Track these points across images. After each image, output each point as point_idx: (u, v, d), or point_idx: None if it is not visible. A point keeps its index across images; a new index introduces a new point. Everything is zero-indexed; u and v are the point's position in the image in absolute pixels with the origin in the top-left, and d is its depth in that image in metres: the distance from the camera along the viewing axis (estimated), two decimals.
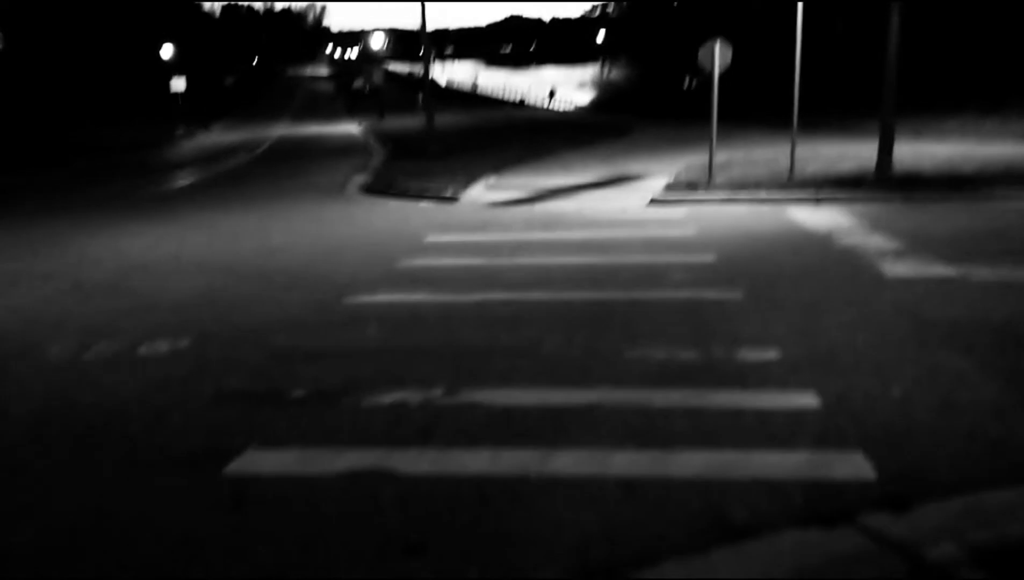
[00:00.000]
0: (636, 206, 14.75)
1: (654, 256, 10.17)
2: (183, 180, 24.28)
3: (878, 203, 13.70)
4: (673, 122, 37.48)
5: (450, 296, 8.53)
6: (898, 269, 9.01)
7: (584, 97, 73.18)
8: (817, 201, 14.02)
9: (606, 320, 7.41)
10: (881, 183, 14.50)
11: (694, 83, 61.29)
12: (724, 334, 6.83)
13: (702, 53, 15.36)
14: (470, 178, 18.64)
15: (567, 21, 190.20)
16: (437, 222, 13.84)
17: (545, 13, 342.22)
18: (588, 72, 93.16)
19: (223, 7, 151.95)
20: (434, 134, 26.38)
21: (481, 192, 17.42)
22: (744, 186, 15.05)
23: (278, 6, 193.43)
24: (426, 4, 25.59)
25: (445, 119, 46.35)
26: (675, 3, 65.87)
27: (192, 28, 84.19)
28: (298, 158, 31.05)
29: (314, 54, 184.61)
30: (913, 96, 35.69)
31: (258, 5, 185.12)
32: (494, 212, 14.91)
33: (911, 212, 12.86)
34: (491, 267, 9.92)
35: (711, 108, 15.64)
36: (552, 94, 71.66)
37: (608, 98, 65.73)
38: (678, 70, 62.58)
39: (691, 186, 15.44)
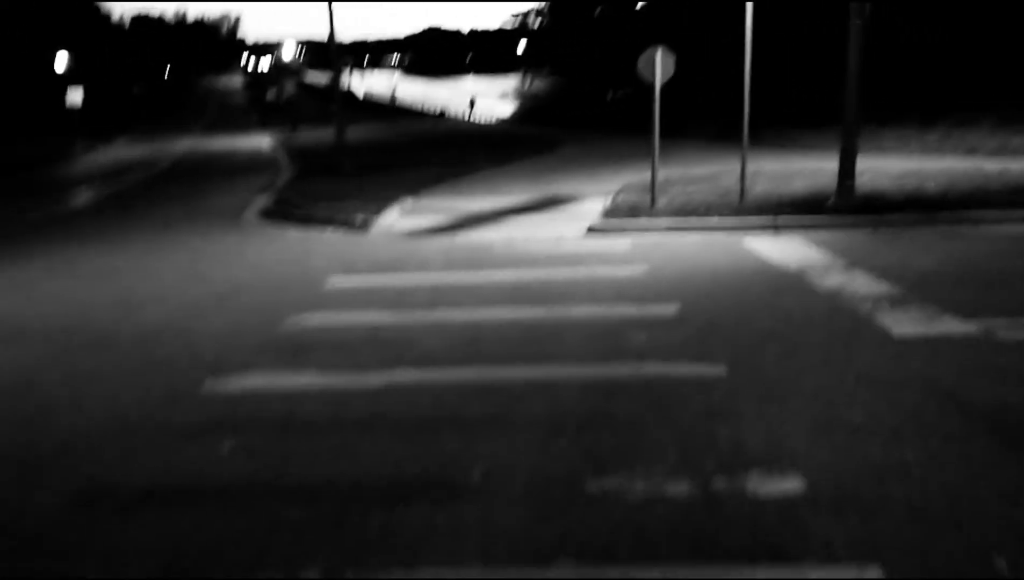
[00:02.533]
0: (573, 235, 12.94)
1: (604, 307, 8.32)
2: (64, 204, 21.62)
3: (844, 230, 12.15)
4: (599, 135, 36.00)
5: (345, 378, 6.50)
6: (905, 326, 7.32)
7: (506, 108, 71.72)
8: (776, 229, 12.41)
9: (557, 420, 5.49)
10: (843, 207, 12.96)
11: (619, 94, 60.32)
12: (721, 445, 4.98)
13: (642, 62, 13.64)
14: (384, 201, 16.61)
15: (486, 32, 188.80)
16: (343, 258, 11.79)
17: (464, 24, 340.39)
18: (509, 83, 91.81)
19: (132, 17, 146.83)
20: (347, 150, 24.26)
21: (396, 218, 15.42)
22: (691, 211, 13.36)
23: (191, 16, 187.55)
24: (338, 12, 23.48)
25: (361, 132, 44.15)
26: (596, 13, 64.88)
27: (95, 37, 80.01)
28: (200, 176, 28.53)
29: (228, 65, 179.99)
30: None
31: (170, 15, 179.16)
32: (410, 244, 12.93)
33: (886, 242, 11.32)
34: (402, 327, 7.93)
35: (652, 123, 13.94)
36: (472, 105, 70.00)
37: (531, 109, 64.36)
38: (601, 81, 61.60)
39: (632, 212, 13.69)
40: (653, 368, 6.40)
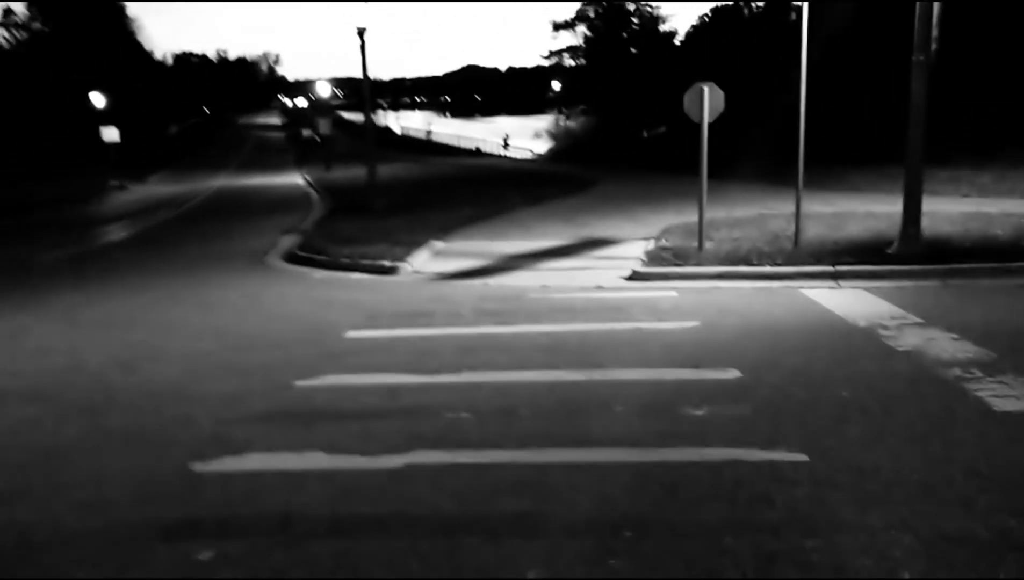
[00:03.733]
0: (613, 281, 12.01)
1: (654, 371, 7.35)
2: (84, 244, 21.07)
3: (911, 281, 11.10)
4: (635, 174, 35.13)
5: (355, 461, 5.57)
6: (1007, 400, 6.27)
7: (541, 146, 71.24)
8: (835, 278, 11.39)
9: (608, 524, 4.53)
10: (908, 255, 11.91)
11: (654, 132, 59.54)
12: (817, 565, 3.97)
13: (688, 98, 12.77)
14: (414, 242, 15.79)
15: (523, 70, 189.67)
16: (366, 306, 10.94)
17: (502, 63, 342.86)
18: (544, 121, 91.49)
19: (175, 55, 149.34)
20: (378, 188, 23.58)
21: (425, 260, 14.59)
22: (742, 258, 12.37)
23: (232, 55, 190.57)
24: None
25: (395, 170, 43.68)
26: (632, 51, 64.35)
27: (135, 74, 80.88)
28: (228, 215, 28.03)
29: (267, 103, 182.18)
30: (894, 146, 33.85)
31: (212, 54, 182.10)
32: (439, 289, 12.06)
33: (960, 295, 10.25)
34: (425, 393, 7.01)
35: (700, 162, 13.02)
36: (507, 142, 69.64)
37: (565, 147, 63.72)
38: (636, 119, 60.87)
39: (677, 257, 12.72)
40: (719, 453, 5.41)
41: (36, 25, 79.42)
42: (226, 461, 5.63)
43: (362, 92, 23.71)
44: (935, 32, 11.89)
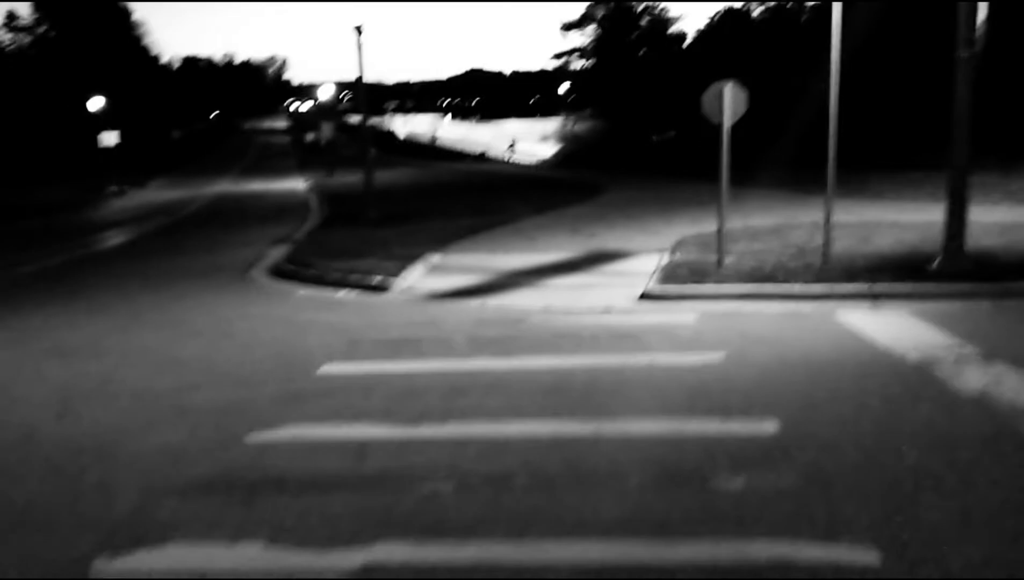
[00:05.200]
0: (623, 302, 10.84)
1: (674, 423, 6.17)
2: (67, 254, 19.97)
3: (959, 302, 9.89)
4: (644, 180, 33.91)
5: (301, 559, 4.41)
6: None
7: (547, 151, 70.19)
8: (873, 298, 10.20)
9: None
10: (952, 271, 10.71)
11: (663, 137, 58.39)
12: None
13: (707, 98, 11.60)
14: (408, 256, 14.65)
15: (528, 74, 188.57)
16: (348, 332, 9.79)
17: (506, 66, 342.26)
18: (551, 125, 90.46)
19: (182, 58, 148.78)
20: (376, 196, 22.46)
21: (420, 276, 13.44)
22: (767, 275, 11.19)
23: (238, 59, 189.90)
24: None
25: (397, 175, 42.68)
26: (641, 53, 63.24)
27: (140, 78, 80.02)
28: (222, 223, 26.95)
29: (274, 107, 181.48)
30: (915, 150, 32.53)
31: (218, 57, 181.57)
32: (431, 311, 10.91)
33: (1019, 319, 9.05)
34: (400, 452, 5.85)
35: (720, 168, 11.85)
36: (512, 146, 68.62)
37: (572, 152, 62.59)
38: (645, 123, 59.75)
39: (695, 274, 11.54)
40: (764, 549, 4.23)
41: (41, 29, 78.83)
42: (138, 556, 4.47)
43: (359, 93, 22.61)
44: (982, 25, 10.67)
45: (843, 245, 13.01)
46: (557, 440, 5.88)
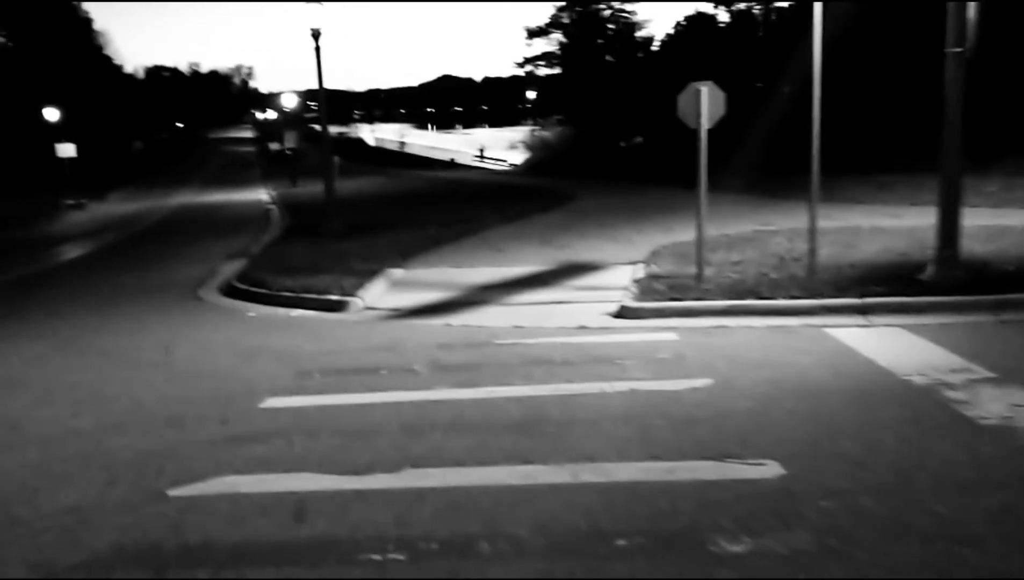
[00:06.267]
0: (598, 319, 10.09)
1: (663, 464, 5.39)
2: (13, 271, 18.88)
3: (958, 316, 9.23)
4: (614, 186, 33.25)
5: None
6: None
7: (516, 158, 69.55)
8: (864, 312, 9.51)
9: None
10: (947, 283, 10.05)
11: (632, 143, 57.91)
12: None
13: (683, 101, 10.88)
14: (369, 271, 13.79)
15: (499, 80, 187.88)
16: (299, 358, 8.94)
17: (477, 72, 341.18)
18: (520, 132, 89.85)
19: (147, 68, 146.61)
20: (339, 207, 21.56)
21: (381, 293, 12.60)
22: (750, 288, 10.47)
23: (204, 68, 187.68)
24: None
25: (363, 184, 41.78)
26: (608, 58, 62.76)
27: (102, 88, 78.32)
28: (177, 237, 25.96)
29: (240, 116, 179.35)
30: (887, 154, 32.14)
31: (184, 67, 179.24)
32: (391, 332, 10.09)
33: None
34: (345, 506, 5.02)
35: (698, 175, 11.12)
36: (482, 153, 68.00)
37: (542, 159, 61.91)
38: (613, 129, 59.23)
39: (674, 289, 10.79)
40: None
41: None
42: None
43: (319, 100, 21.74)
44: (974, 21, 10.02)
45: (826, 253, 12.32)
46: (527, 492, 5.08)
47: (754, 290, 10.33)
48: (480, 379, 7.62)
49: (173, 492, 5.33)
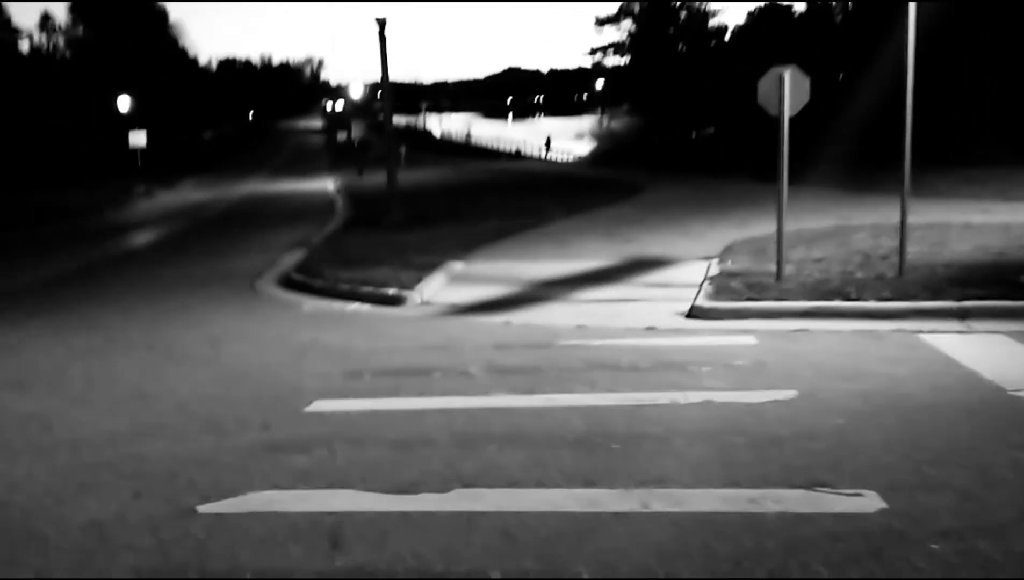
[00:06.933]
0: (668, 320, 9.45)
1: (744, 492, 4.77)
2: (78, 260, 18.89)
3: None
4: (684, 178, 32.36)
5: None
6: None
7: (583, 148, 68.72)
8: (962, 317, 8.69)
9: None
10: None
11: (702, 134, 56.68)
12: None
13: (764, 87, 10.14)
14: (430, 262, 13.36)
15: (565, 72, 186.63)
16: (351, 355, 8.51)
17: (543, 64, 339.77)
18: (586, 122, 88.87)
19: (219, 60, 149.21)
20: (401, 198, 21.19)
21: (439, 287, 12.14)
22: (834, 289, 9.71)
23: (276, 60, 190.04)
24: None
25: (428, 174, 41.57)
26: (679, 48, 61.54)
27: (175, 79, 79.69)
28: (243, 225, 25.91)
29: (310, 107, 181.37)
30: (968, 147, 30.62)
31: (256, 59, 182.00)
32: (448, 329, 9.60)
33: None
34: (387, 533, 4.50)
35: (779, 165, 10.38)
36: (548, 144, 67.31)
37: (608, 150, 61.02)
38: (683, 120, 58.06)
39: (751, 288, 10.08)
40: None
41: (78, 31, 78.97)
42: None
43: (384, 89, 21.40)
44: None
45: (914, 252, 11.46)
46: (590, 521, 4.50)
47: (839, 290, 9.58)
48: (539, 385, 7.05)
49: (203, 508, 4.89)
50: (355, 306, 11.37)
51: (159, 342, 9.69)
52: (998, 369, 6.93)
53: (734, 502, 4.65)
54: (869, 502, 4.58)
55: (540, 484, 5.00)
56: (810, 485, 4.82)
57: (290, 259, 16.02)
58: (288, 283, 13.34)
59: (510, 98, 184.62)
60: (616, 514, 4.57)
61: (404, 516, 4.65)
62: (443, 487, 5.00)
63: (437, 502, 4.82)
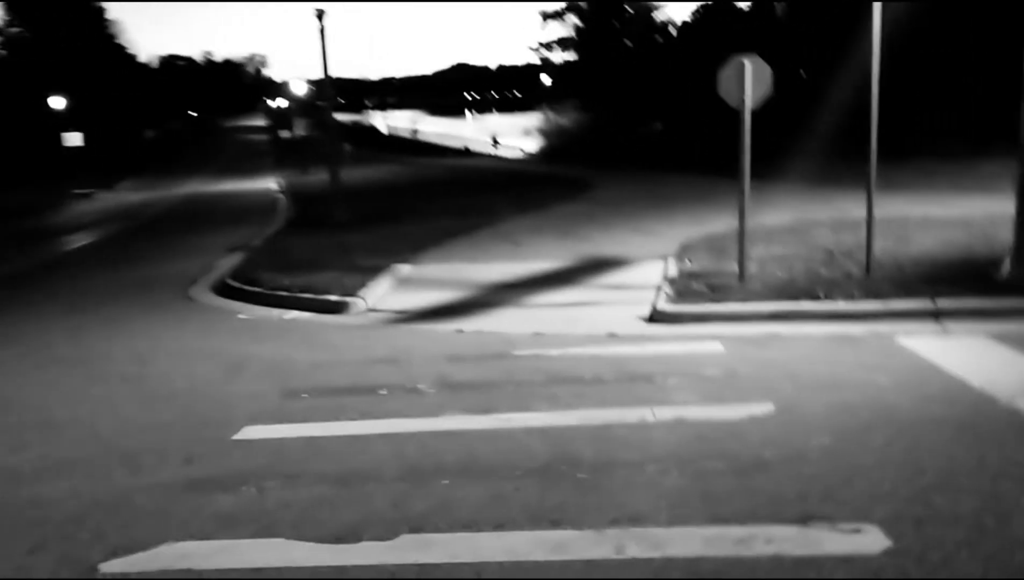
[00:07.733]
0: (629, 325, 8.90)
1: (727, 530, 4.20)
2: (8, 266, 17.80)
3: None
4: (634, 174, 31.90)
5: None
6: None
7: (531, 145, 68.21)
8: (937, 317, 8.27)
9: None
10: None
11: (651, 129, 56.48)
12: None
13: (725, 77, 9.63)
14: (375, 265, 12.66)
15: (514, 68, 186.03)
16: (287, 374, 7.79)
17: (492, 60, 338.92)
18: (535, 118, 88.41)
19: (161, 57, 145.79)
20: (346, 197, 20.43)
21: (386, 292, 11.45)
22: (802, 289, 9.24)
23: (218, 57, 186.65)
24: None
25: (374, 172, 40.64)
26: (626, 42, 61.25)
27: (112, 78, 77.37)
28: (183, 228, 24.90)
29: (253, 105, 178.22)
30: (923, 139, 30.66)
31: (198, 57, 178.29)
32: (395, 340, 8.93)
33: None
34: None
35: (741, 159, 9.89)
36: (495, 141, 66.74)
37: (558, 145, 60.51)
38: (632, 115, 57.78)
39: (713, 289, 9.58)
40: None
41: (14, 30, 76.35)
42: None
43: (323, 84, 20.59)
44: None
45: (880, 247, 11.03)
46: (558, 571, 3.90)
47: (807, 290, 9.12)
48: (495, 403, 6.43)
49: (106, 567, 4.19)
50: (295, 314, 10.64)
51: (80, 357, 8.89)
52: (985, 376, 6.48)
53: (720, 544, 4.08)
54: (871, 539, 4.04)
55: (499, 526, 4.38)
56: (803, 519, 4.27)
57: (228, 263, 15.19)
58: (224, 290, 12.54)
59: (460, 95, 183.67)
60: (588, 562, 3.98)
61: (341, 571, 4.00)
62: (388, 532, 4.36)
63: (380, 552, 4.17)
